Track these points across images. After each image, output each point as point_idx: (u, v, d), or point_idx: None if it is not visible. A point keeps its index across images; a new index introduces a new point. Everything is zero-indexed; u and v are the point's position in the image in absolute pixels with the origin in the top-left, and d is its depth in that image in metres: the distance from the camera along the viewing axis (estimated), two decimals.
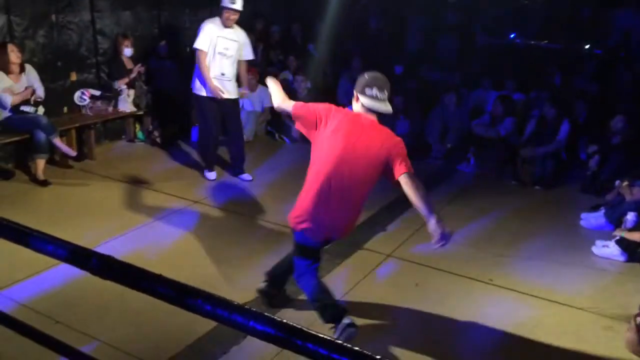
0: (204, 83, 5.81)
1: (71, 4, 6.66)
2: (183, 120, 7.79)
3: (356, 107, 3.28)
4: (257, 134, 7.80)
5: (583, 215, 5.36)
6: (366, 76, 3.26)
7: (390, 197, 5.76)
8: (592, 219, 5.26)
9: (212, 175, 6.22)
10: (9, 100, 5.74)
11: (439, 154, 7.07)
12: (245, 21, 9.06)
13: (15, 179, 5.79)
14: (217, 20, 5.84)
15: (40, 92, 6.01)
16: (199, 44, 5.75)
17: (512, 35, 10.45)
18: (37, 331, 1.87)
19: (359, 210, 3.40)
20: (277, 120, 7.93)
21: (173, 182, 6.02)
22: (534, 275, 4.32)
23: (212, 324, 3.38)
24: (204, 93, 5.86)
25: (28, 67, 6.00)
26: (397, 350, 3.32)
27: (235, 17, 5.78)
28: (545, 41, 10.13)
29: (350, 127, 3.19)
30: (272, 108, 7.91)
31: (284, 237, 4.87)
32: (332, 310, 3.32)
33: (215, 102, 5.89)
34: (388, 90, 3.24)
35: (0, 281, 3.84)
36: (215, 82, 5.77)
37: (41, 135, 5.75)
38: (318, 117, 3.26)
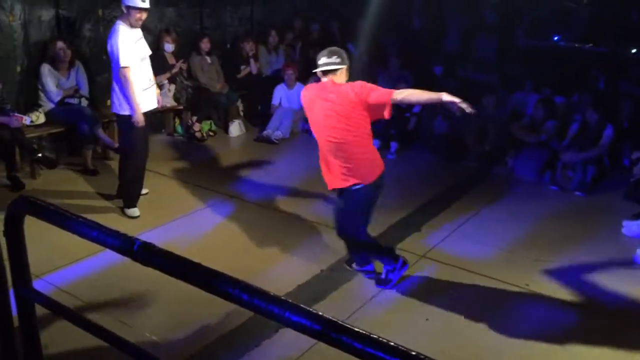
0: (130, 101, 4.86)
1: None
2: (221, 116, 7.91)
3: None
4: (292, 131, 7.84)
5: (625, 222, 5.20)
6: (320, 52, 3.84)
7: (424, 198, 5.74)
8: (635, 226, 5.11)
9: (135, 212, 5.11)
10: (59, 96, 5.94)
11: (476, 157, 6.97)
12: (284, 19, 9.19)
13: (60, 168, 5.96)
14: (124, 25, 4.82)
15: (85, 91, 6.19)
16: (126, 60, 4.76)
17: (555, 38, 10.23)
18: (76, 314, 1.94)
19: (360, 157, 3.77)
20: None
21: (210, 176, 6.10)
22: (572, 282, 4.23)
23: (244, 316, 3.43)
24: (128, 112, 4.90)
25: (78, 64, 6.19)
26: (427, 350, 3.29)
27: (146, 16, 4.91)
28: (590, 44, 9.88)
29: (315, 96, 3.79)
30: None
31: (315, 232, 4.91)
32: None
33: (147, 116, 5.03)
34: (338, 54, 3.80)
35: (42, 267, 3.96)
36: (146, 94, 4.96)
37: (85, 127, 5.92)
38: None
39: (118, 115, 5.04)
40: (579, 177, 6.13)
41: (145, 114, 4.98)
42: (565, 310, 3.88)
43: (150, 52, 5.14)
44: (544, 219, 5.41)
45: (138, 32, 4.96)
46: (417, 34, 9.58)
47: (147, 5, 4.83)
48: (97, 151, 6.45)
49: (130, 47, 4.82)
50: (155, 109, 5.28)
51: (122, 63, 4.77)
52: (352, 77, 3.81)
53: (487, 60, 8.87)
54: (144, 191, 5.40)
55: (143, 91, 4.95)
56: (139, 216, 5.09)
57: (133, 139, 5.05)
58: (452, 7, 9.75)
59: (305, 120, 7.93)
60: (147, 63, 5.07)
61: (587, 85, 7.73)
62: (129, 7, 4.78)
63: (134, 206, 5.14)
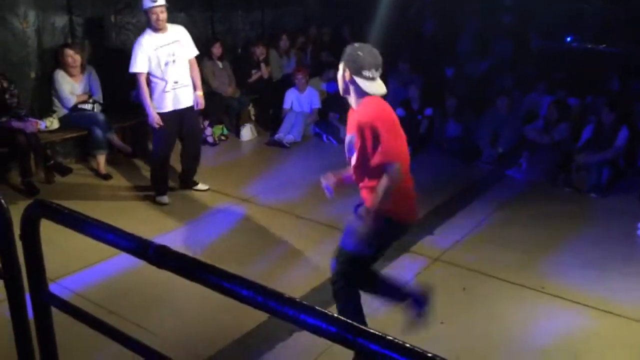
0: (156, 100, 5.23)
1: (129, 5, 6.88)
2: (233, 120, 7.94)
3: (352, 87, 3.12)
4: (304, 134, 7.84)
5: None
6: (360, 54, 3.03)
7: (437, 201, 5.71)
8: None
9: (165, 199, 5.50)
10: (72, 101, 5.99)
11: (489, 159, 6.92)
12: (295, 23, 9.21)
13: (74, 173, 6.00)
14: (147, 31, 5.15)
15: (98, 96, 6.24)
16: (135, 67, 5.09)
17: (568, 39, 10.15)
18: (93, 317, 1.94)
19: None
20: (325, 122, 7.95)
21: (222, 180, 6.11)
22: (589, 285, 4.17)
23: (258, 320, 3.42)
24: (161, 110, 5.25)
25: (90, 69, 6.24)
26: (443, 353, 3.26)
27: (165, 15, 5.04)
28: (604, 45, 9.79)
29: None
30: (319, 109, 8.01)
31: (328, 236, 4.89)
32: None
33: (175, 115, 5.30)
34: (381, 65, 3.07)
35: (57, 271, 3.98)
36: (170, 96, 5.20)
37: (98, 132, 5.97)
38: None
39: None
40: (594, 178, 6.07)
41: (174, 113, 5.26)
42: (581, 312, 3.84)
43: (181, 54, 5.25)
44: (559, 221, 5.35)
45: (163, 37, 5.15)
46: (430, 37, 9.55)
47: (159, 2, 5.00)
48: (111, 155, 6.49)
49: (141, 55, 5.06)
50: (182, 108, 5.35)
51: (131, 69, 5.12)
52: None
53: (501, 62, 8.83)
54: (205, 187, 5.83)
55: (169, 92, 5.20)
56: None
57: (158, 137, 5.39)
58: (466, 10, 9.71)
59: (317, 124, 7.95)
60: (177, 64, 5.21)
61: (601, 87, 7.66)
62: (145, 10, 5.07)
63: None
